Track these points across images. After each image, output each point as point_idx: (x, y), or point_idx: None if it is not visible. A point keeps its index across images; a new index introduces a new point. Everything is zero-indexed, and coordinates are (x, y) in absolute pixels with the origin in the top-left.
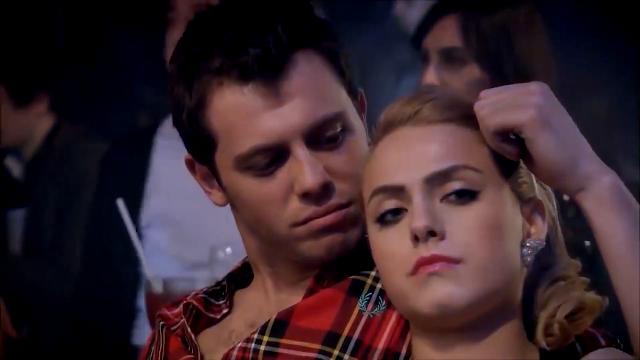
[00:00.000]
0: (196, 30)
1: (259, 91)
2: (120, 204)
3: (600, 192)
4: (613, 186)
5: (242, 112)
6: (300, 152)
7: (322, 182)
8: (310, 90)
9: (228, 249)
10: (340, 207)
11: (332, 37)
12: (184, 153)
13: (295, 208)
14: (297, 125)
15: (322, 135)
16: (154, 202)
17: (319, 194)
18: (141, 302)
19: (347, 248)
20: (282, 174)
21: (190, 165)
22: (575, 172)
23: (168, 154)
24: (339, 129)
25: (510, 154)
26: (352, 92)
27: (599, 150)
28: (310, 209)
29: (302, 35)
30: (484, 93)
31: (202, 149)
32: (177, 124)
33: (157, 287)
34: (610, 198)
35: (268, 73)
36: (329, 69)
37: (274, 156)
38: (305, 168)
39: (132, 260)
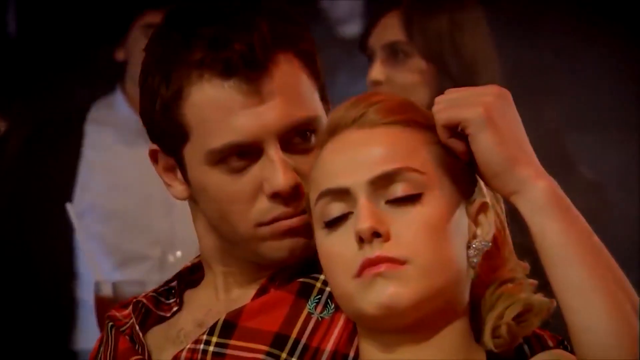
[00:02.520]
0: (177, 21)
1: (240, 88)
2: (70, 208)
3: (535, 195)
4: (548, 190)
5: (220, 107)
6: (274, 152)
7: (293, 184)
8: (289, 91)
9: (178, 253)
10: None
11: (310, 41)
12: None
13: (263, 208)
14: (274, 126)
15: (295, 138)
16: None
17: (289, 196)
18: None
19: (308, 252)
20: (253, 173)
21: (153, 155)
22: (512, 174)
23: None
24: (312, 133)
25: (458, 150)
26: (324, 98)
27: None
28: (278, 210)
29: (285, 36)
30: (446, 91)
31: (171, 140)
32: (146, 113)
33: (107, 290)
34: (544, 202)
35: (252, 70)
36: (306, 72)
37: (246, 154)
38: (278, 168)
39: (68, 260)
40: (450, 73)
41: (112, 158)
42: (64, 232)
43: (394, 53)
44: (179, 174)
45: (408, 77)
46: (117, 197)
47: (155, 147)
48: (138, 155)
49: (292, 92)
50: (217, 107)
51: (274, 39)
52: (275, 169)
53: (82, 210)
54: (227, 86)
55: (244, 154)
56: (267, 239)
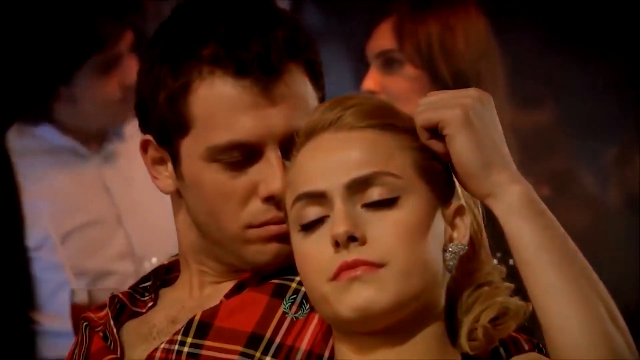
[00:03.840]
0: (190, 15)
1: (251, 89)
2: (51, 230)
3: (510, 198)
4: (523, 194)
5: (229, 105)
6: (274, 156)
7: None
8: (296, 100)
9: (154, 260)
10: None
11: (318, 53)
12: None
13: (255, 210)
14: (278, 130)
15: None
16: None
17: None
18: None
19: (290, 261)
20: (250, 174)
21: (144, 146)
22: (487, 177)
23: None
24: None
25: (437, 151)
26: None
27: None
28: (269, 214)
29: (297, 45)
30: (429, 93)
31: (169, 132)
32: (144, 102)
33: (82, 298)
34: (519, 205)
35: (266, 74)
36: (312, 83)
37: (246, 154)
38: (277, 171)
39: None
40: (443, 80)
41: (52, 183)
42: (20, 263)
43: (387, 61)
44: (170, 167)
45: (401, 85)
46: (67, 220)
47: (148, 137)
48: (76, 174)
49: (299, 100)
50: (226, 105)
51: (288, 47)
52: (274, 172)
53: (38, 244)
54: (239, 86)
55: (245, 153)
56: (254, 242)
